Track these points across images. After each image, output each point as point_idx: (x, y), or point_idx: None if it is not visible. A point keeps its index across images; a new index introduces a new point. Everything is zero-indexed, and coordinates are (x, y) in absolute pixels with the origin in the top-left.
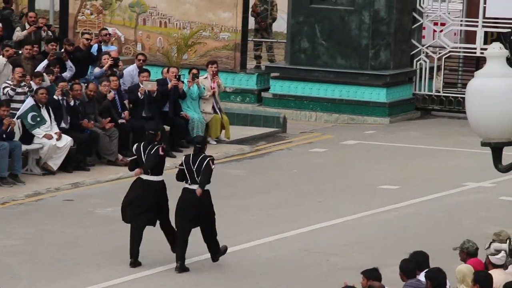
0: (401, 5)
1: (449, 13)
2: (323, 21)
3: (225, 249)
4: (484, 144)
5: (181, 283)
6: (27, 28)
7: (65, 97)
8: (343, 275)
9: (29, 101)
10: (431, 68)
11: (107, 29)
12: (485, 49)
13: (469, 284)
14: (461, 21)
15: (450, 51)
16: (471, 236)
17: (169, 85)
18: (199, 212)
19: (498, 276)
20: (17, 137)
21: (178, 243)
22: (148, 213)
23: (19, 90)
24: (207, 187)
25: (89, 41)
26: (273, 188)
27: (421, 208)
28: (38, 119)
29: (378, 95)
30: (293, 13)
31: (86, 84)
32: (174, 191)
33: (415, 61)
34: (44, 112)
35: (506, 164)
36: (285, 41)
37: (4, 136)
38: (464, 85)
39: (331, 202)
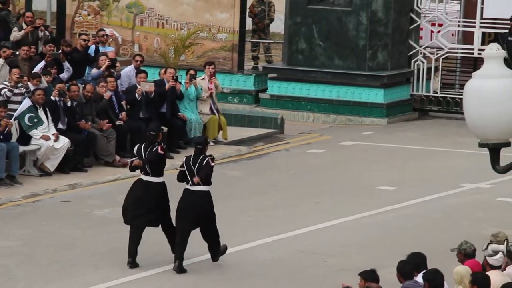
0: (399, 6)
1: (446, 14)
2: (321, 22)
3: (225, 249)
4: (481, 145)
5: (179, 284)
6: (24, 28)
7: (62, 98)
8: (340, 276)
9: (26, 102)
10: (429, 69)
11: (104, 30)
12: (483, 49)
13: (466, 286)
14: (459, 21)
15: (447, 52)
16: (469, 237)
17: (167, 86)
18: (199, 213)
19: (495, 278)
20: (14, 138)
21: (177, 242)
22: (149, 214)
23: (16, 91)
24: (208, 188)
25: (86, 42)
26: (270, 189)
27: (419, 209)
28: (35, 120)
29: (376, 96)
30: (290, 14)
31: (83, 85)
32: (174, 192)
33: (412, 62)
34: (41, 113)
35: (504, 165)
36: (283, 42)
37: (1, 137)
38: (462, 86)
39: (329, 203)
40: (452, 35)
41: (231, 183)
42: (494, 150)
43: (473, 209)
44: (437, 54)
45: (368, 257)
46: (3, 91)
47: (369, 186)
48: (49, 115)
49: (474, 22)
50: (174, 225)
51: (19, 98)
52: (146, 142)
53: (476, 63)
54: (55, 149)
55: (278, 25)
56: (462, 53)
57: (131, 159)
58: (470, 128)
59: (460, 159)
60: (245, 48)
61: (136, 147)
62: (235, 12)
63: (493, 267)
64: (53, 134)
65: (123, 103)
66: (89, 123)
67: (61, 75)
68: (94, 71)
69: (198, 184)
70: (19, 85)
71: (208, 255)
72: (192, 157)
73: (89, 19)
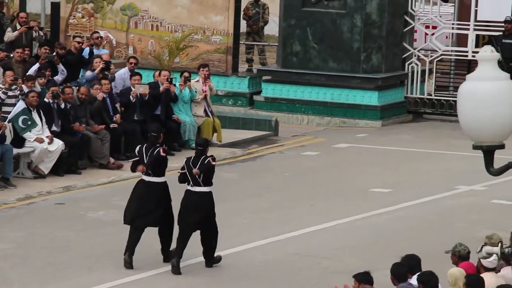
0: (393, 8)
1: (440, 16)
2: (315, 24)
3: (219, 259)
4: (475, 147)
5: (173, 286)
6: (18, 28)
7: (55, 100)
8: (334, 279)
9: (20, 105)
10: (423, 71)
11: (98, 32)
12: (477, 52)
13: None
14: (453, 24)
15: (441, 54)
16: (463, 239)
17: (161, 88)
18: (201, 214)
19: (489, 280)
20: (8, 140)
21: (178, 241)
22: (150, 215)
23: (10, 93)
24: (209, 189)
25: (81, 44)
26: (265, 191)
27: (413, 211)
28: (29, 122)
29: (370, 98)
30: (285, 16)
31: (77, 88)
32: (175, 193)
33: (407, 64)
34: (35, 115)
35: (498, 168)
36: (277, 44)
37: None
38: (456, 88)
39: (323, 205)
40: (446, 37)
41: (226, 185)
42: (488, 152)
43: (467, 211)
44: (431, 56)
45: (362, 260)
46: None
47: (363, 188)
48: (43, 117)
49: (468, 25)
50: (173, 228)
51: (13, 101)
52: (147, 143)
53: (470, 66)
54: (49, 152)
55: (272, 28)
56: (456, 55)
57: (132, 159)
58: (464, 130)
59: (454, 162)
60: (240, 50)
61: (137, 148)
62: (230, 15)
63: (487, 269)
64: (47, 137)
65: (118, 105)
66: (83, 125)
67: (56, 78)
68: (88, 73)
69: (199, 185)
70: (13, 87)
71: (201, 258)
72: (192, 158)
73: (83, 21)
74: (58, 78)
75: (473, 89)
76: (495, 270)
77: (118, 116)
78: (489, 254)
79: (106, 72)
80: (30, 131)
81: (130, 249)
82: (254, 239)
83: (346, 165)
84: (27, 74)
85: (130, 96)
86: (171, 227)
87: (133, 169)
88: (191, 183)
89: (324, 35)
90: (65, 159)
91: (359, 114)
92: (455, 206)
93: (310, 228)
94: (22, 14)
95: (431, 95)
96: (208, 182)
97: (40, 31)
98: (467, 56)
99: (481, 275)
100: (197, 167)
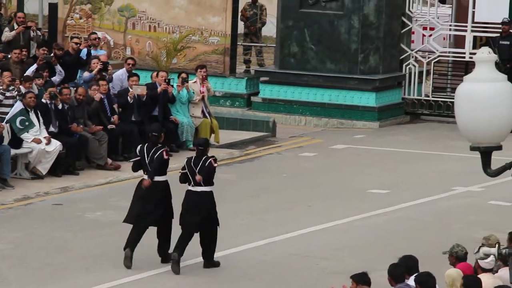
0: (390, 9)
1: (438, 18)
2: (313, 26)
3: (218, 264)
4: (473, 148)
5: (171, 286)
6: (15, 28)
7: (53, 101)
8: (332, 279)
9: (18, 105)
10: (420, 73)
11: (96, 33)
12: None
13: None
14: (450, 25)
15: (439, 56)
16: (460, 240)
17: (159, 89)
18: (202, 214)
19: (487, 280)
20: (6, 141)
21: (180, 239)
22: (151, 215)
23: (8, 94)
24: (210, 189)
25: (78, 45)
26: (262, 192)
27: (411, 212)
28: (27, 123)
29: (368, 99)
30: (282, 18)
31: (75, 88)
32: (176, 193)
33: (404, 65)
34: (32, 116)
35: (495, 169)
36: (275, 45)
37: None
38: (453, 90)
39: (321, 206)
40: (444, 39)
41: (223, 186)
42: (486, 154)
43: (465, 213)
44: (428, 57)
45: (360, 260)
46: None
47: (361, 190)
48: (40, 118)
49: (466, 26)
50: (171, 228)
51: (10, 101)
52: (148, 143)
53: (467, 67)
54: (47, 152)
55: (270, 29)
56: (454, 57)
57: (133, 159)
58: (462, 131)
59: (452, 163)
60: (237, 51)
61: (139, 147)
62: (227, 16)
63: (485, 270)
64: (44, 137)
65: (115, 106)
66: (81, 126)
67: (53, 79)
68: (86, 74)
69: (200, 185)
70: (11, 88)
71: (201, 258)
72: (193, 158)
73: (81, 22)
74: (56, 79)
75: (470, 91)
76: (493, 271)
77: (115, 117)
78: (487, 255)
79: (103, 73)
80: (27, 132)
81: (131, 244)
82: (252, 240)
83: (344, 166)
84: (25, 75)
85: (128, 97)
86: (170, 228)
87: (134, 169)
88: (192, 183)
89: (321, 36)
90: (63, 160)
91: (356, 115)
92: (452, 207)
93: (308, 229)
94: (19, 14)
95: (428, 96)
96: (209, 182)
97: (38, 31)
98: (464, 57)
99: (479, 276)
100: (198, 167)
